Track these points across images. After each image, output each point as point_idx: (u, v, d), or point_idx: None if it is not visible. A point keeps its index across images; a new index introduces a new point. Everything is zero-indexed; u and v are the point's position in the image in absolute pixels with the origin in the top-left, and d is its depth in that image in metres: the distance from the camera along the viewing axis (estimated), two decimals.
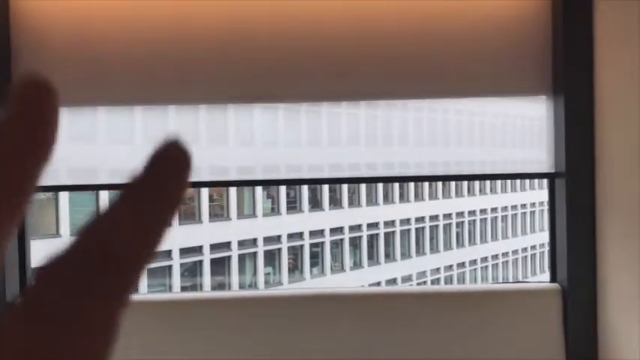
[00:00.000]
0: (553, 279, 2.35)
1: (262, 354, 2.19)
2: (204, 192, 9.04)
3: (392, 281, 10.49)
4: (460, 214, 11.72)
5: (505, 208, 12.30)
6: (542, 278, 11.77)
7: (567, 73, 2.32)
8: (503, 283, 2.65)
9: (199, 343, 2.19)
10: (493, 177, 2.70)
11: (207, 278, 8.98)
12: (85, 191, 2.57)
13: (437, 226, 11.46)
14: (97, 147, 2.55)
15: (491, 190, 12.12)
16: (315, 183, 2.95)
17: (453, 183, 11.09)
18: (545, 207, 2.56)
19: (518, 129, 2.80)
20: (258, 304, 2.28)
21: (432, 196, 11.46)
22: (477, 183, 11.66)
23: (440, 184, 11.23)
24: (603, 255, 2.22)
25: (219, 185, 2.92)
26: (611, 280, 2.20)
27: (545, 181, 2.73)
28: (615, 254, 2.19)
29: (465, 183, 11.20)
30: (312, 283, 9.85)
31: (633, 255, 2.07)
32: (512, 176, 2.69)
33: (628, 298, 2.13)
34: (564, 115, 2.33)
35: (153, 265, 2.72)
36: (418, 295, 2.41)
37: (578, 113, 2.31)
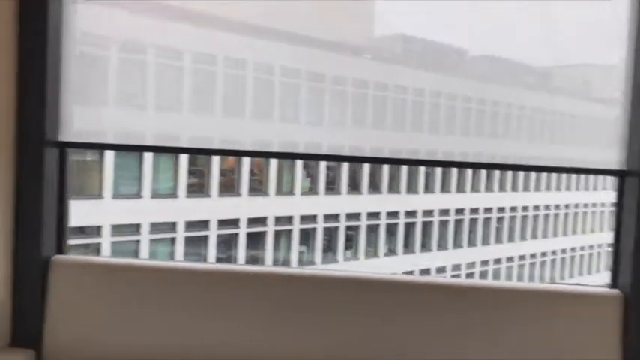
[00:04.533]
0: (614, 284, 2.20)
1: (286, 330, 2.17)
2: (245, 166, 9.13)
3: (425, 271, 10.41)
4: (501, 210, 11.52)
5: (548, 207, 12.03)
6: (580, 281, 11.51)
7: None
8: (558, 283, 2.53)
9: (225, 313, 2.18)
10: (561, 170, 2.58)
11: (241, 251, 9.11)
12: (129, 151, 2.63)
13: (476, 219, 11.29)
14: (144, 112, 2.59)
15: (543, 188, 11.89)
16: (355, 161, 2.91)
17: (498, 176, 10.92)
18: (609, 207, 2.45)
19: (589, 127, 2.72)
20: (291, 281, 2.24)
21: (474, 189, 11.29)
22: (526, 179, 11.46)
23: (484, 176, 11.08)
24: None
25: (260, 156, 2.89)
26: None
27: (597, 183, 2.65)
28: None
29: (511, 177, 11.01)
30: (345, 266, 9.86)
31: None
32: (581, 171, 2.57)
33: None
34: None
35: (190, 234, 2.77)
36: (468, 288, 2.27)
37: None
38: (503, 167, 2.77)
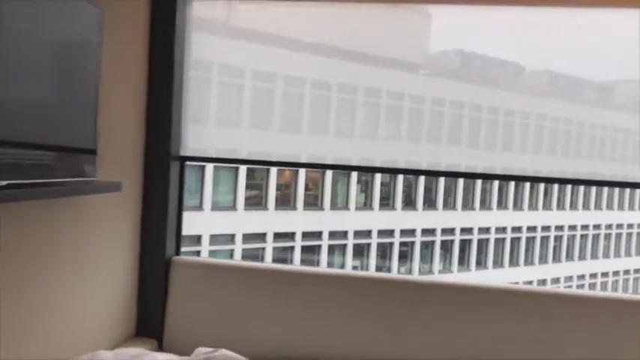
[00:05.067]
0: None
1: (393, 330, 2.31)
2: (301, 181, 9.28)
3: None
4: (560, 228, 11.21)
5: (610, 226, 11.62)
6: None
7: None
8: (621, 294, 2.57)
9: (329, 314, 2.34)
10: (623, 185, 2.60)
11: (297, 263, 9.23)
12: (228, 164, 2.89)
13: (534, 237, 11.02)
14: (239, 130, 2.80)
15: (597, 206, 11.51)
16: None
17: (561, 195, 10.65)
18: None
19: None
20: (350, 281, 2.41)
21: (532, 206, 11.04)
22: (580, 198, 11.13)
23: (541, 195, 10.83)
24: None
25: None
26: None
27: None
28: None
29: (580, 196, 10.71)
30: None
31: None
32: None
33: None
34: None
35: (247, 246, 2.93)
36: (546, 295, 2.42)
37: None
38: (579, 182, 2.79)
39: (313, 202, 9.50)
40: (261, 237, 8.78)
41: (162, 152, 2.46)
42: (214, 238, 8.31)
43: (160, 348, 2.43)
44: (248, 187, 8.86)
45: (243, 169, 8.35)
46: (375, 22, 2.89)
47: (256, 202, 8.90)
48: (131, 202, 2.38)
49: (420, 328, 2.33)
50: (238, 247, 8.37)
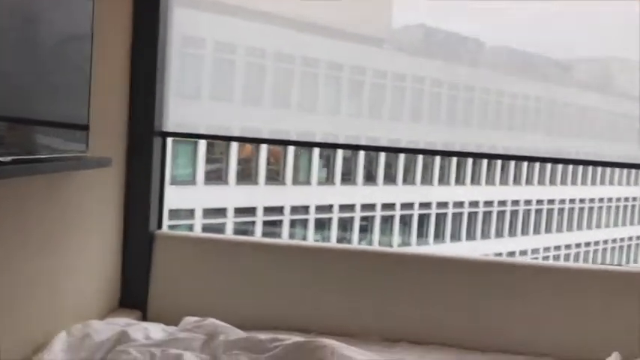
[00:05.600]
0: None
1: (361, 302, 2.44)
2: (263, 155, 9.22)
3: None
4: (516, 202, 11.52)
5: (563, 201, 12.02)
6: None
7: None
8: (597, 264, 2.75)
9: (306, 285, 2.46)
10: (602, 164, 2.74)
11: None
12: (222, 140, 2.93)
13: (491, 212, 11.31)
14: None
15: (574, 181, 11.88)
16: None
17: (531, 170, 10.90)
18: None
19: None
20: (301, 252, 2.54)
21: (489, 181, 11.29)
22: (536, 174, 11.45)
23: (498, 170, 11.06)
24: None
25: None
26: None
27: None
28: None
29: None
30: None
31: None
32: (621, 165, 2.79)
33: None
34: None
35: (208, 222, 2.94)
36: (504, 265, 2.57)
37: None
38: (544, 160, 2.90)
39: (275, 176, 9.47)
40: (221, 212, 8.72)
41: (146, 128, 2.49)
42: (173, 213, 8.22)
43: (144, 319, 2.48)
44: (208, 161, 8.76)
45: (202, 143, 8.23)
46: None
47: (216, 176, 8.81)
48: (116, 177, 2.44)
49: (399, 298, 2.44)
50: (198, 222, 8.30)
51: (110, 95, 2.34)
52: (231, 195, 8.82)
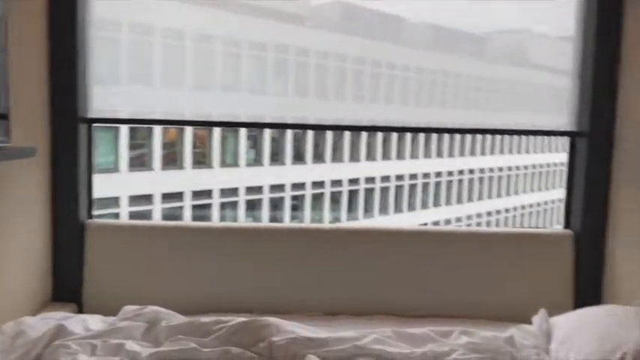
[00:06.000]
0: (567, 226, 2.66)
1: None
2: (188, 139, 9.03)
3: None
4: (438, 174, 11.92)
5: (491, 170, 12.57)
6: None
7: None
8: (520, 228, 2.92)
9: (233, 264, 2.48)
10: (520, 132, 2.87)
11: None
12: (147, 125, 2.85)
13: (416, 184, 11.65)
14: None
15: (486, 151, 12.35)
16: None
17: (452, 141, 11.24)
18: (564, 164, 2.78)
19: (543, 94, 2.93)
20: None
21: (414, 155, 11.61)
22: (456, 146, 11.86)
23: (422, 144, 11.38)
24: (615, 205, 2.48)
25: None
26: (620, 228, 2.45)
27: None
28: (626, 205, 2.42)
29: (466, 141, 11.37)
30: None
31: None
32: (538, 133, 2.91)
33: (634, 244, 2.35)
34: (591, 80, 2.52)
35: (134, 209, 2.86)
36: (434, 233, 2.68)
37: (603, 82, 2.50)
38: (465, 131, 3.01)
39: (202, 160, 9.31)
40: (148, 198, 8.49)
41: (70, 115, 2.41)
42: (97, 202, 7.91)
43: (80, 311, 2.42)
44: (131, 147, 8.47)
45: (124, 129, 7.94)
46: None
47: (141, 162, 8.54)
48: (41, 167, 2.36)
49: (336, 273, 2.51)
50: (124, 210, 8.04)
51: (29, 83, 2.24)
52: (158, 180, 8.60)
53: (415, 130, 3.05)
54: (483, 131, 3.01)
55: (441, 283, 2.53)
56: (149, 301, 2.18)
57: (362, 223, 10.77)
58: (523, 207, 13.42)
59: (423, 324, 2.21)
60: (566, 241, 2.58)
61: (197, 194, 9.16)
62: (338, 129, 2.86)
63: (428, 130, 3.06)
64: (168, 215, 8.69)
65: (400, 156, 11.42)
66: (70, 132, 2.43)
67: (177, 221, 2.69)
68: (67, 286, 2.47)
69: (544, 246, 2.59)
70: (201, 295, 2.46)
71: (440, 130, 3.02)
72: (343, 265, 2.53)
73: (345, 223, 10.14)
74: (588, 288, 2.56)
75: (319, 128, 2.93)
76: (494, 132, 2.98)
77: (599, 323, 1.95)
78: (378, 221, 10.93)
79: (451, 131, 3.03)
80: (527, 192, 13.40)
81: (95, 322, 2.06)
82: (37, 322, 1.99)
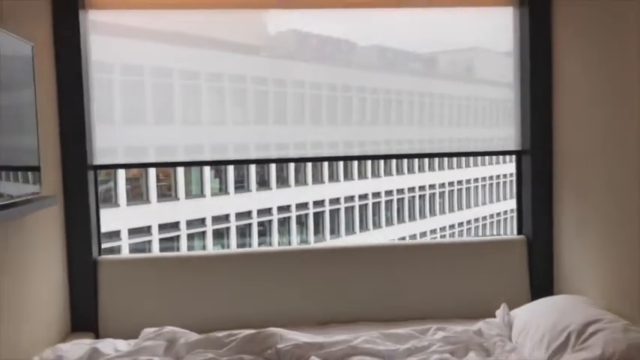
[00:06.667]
0: (519, 232, 3.00)
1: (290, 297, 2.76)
2: (152, 172, 9.03)
3: None
4: (401, 191, 12.19)
5: (452, 184, 12.90)
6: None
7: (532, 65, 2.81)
8: (480, 237, 3.25)
9: (241, 289, 2.72)
10: (468, 154, 3.16)
11: None
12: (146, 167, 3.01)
13: (379, 202, 11.88)
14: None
15: (449, 166, 12.68)
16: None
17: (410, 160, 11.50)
18: (509, 178, 3.06)
19: (494, 111, 3.18)
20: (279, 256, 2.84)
21: (375, 174, 11.86)
22: (416, 163, 12.17)
23: (382, 163, 11.63)
24: (559, 212, 2.80)
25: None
26: (564, 231, 2.76)
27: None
28: (568, 211, 2.74)
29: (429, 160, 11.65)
30: None
31: (582, 212, 2.60)
32: (486, 154, 3.20)
33: (577, 245, 2.65)
34: (529, 101, 2.84)
35: (104, 246, 2.94)
36: (406, 247, 2.99)
37: (540, 102, 2.82)
38: (412, 156, 3.25)
39: (167, 192, 9.31)
40: (115, 235, 8.44)
41: (80, 163, 2.68)
42: None
43: (97, 339, 2.59)
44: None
45: None
46: (211, 5, 2.94)
47: (105, 198, 8.50)
48: (56, 212, 2.58)
49: (322, 288, 2.78)
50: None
51: (45, 134, 2.39)
52: (124, 216, 8.57)
53: (373, 158, 3.24)
54: (439, 155, 3.26)
55: (415, 290, 2.80)
56: (159, 324, 2.42)
57: (342, 241, 10.93)
58: (484, 218, 13.78)
59: (403, 327, 2.48)
60: (520, 245, 2.90)
61: (164, 227, 9.15)
62: (300, 161, 3.06)
63: (387, 157, 3.26)
64: (136, 249, 8.67)
65: (362, 175, 11.65)
66: (80, 178, 2.68)
67: (177, 252, 2.88)
68: (84, 317, 2.69)
69: (501, 251, 2.90)
70: (204, 316, 2.69)
71: (400, 156, 3.25)
72: (328, 280, 2.78)
73: (327, 243, 10.26)
74: (541, 284, 2.86)
75: (281, 161, 3.10)
76: (448, 155, 3.23)
77: (550, 311, 2.24)
78: (344, 241, 11.08)
79: (410, 156, 3.27)
80: (486, 204, 13.76)
81: (121, 344, 2.35)
82: (71, 347, 2.24)
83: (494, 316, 2.48)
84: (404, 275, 2.82)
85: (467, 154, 3.20)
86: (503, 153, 3.12)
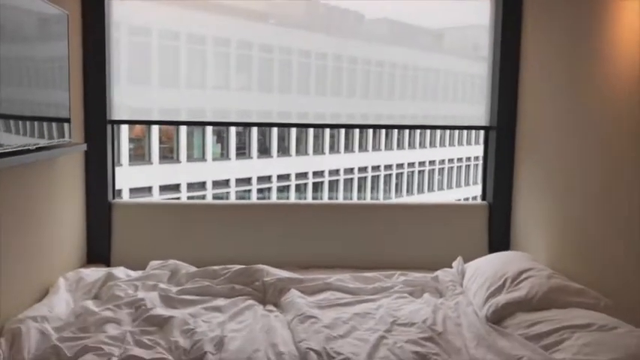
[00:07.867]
0: (483, 198, 3.44)
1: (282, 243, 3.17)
2: (155, 134, 9.22)
3: None
4: (400, 166, 12.34)
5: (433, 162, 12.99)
6: None
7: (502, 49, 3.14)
8: (449, 201, 3.65)
9: (238, 234, 3.13)
10: (440, 127, 3.50)
11: None
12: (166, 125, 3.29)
13: (379, 175, 12.06)
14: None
15: (426, 144, 12.79)
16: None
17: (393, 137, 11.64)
18: (481, 154, 3.43)
19: (467, 88, 3.41)
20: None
21: (376, 147, 12.00)
22: (417, 137, 12.28)
23: (383, 137, 11.76)
24: (517, 182, 3.23)
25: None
26: (521, 198, 3.18)
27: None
28: (525, 182, 3.14)
29: (406, 137, 11.78)
30: None
31: (537, 180, 2.97)
32: (457, 128, 3.51)
33: (531, 210, 3.06)
34: (499, 80, 3.18)
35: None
36: (383, 206, 3.40)
37: (508, 79, 3.17)
38: (412, 127, 3.58)
39: (169, 154, 9.53)
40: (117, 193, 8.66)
41: (100, 117, 3.05)
42: None
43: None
44: None
45: None
46: None
47: None
48: (78, 159, 3.00)
49: (305, 238, 3.19)
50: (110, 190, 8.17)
51: (72, 92, 2.75)
52: (125, 175, 8.81)
53: (372, 127, 3.48)
54: (423, 127, 3.54)
55: (388, 244, 3.24)
56: (164, 259, 2.88)
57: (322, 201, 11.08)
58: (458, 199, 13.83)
59: (372, 273, 2.87)
60: (482, 209, 3.35)
61: (164, 188, 9.38)
62: (301, 126, 3.30)
63: (386, 127, 3.51)
64: None
65: (363, 148, 11.80)
66: (100, 132, 3.05)
67: (180, 200, 3.20)
68: (98, 251, 3.12)
69: (466, 214, 3.34)
70: (201, 254, 3.10)
71: (398, 127, 3.52)
72: (312, 231, 3.21)
73: (314, 201, 10.49)
74: (499, 244, 3.31)
75: (283, 126, 3.32)
76: (424, 127, 3.50)
77: (494, 263, 2.59)
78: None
79: (410, 127, 3.60)
80: (464, 185, 13.75)
81: (132, 272, 2.78)
82: (90, 272, 2.69)
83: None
84: (378, 231, 3.25)
85: (439, 127, 3.48)
86: (475, 128, 3.48)
